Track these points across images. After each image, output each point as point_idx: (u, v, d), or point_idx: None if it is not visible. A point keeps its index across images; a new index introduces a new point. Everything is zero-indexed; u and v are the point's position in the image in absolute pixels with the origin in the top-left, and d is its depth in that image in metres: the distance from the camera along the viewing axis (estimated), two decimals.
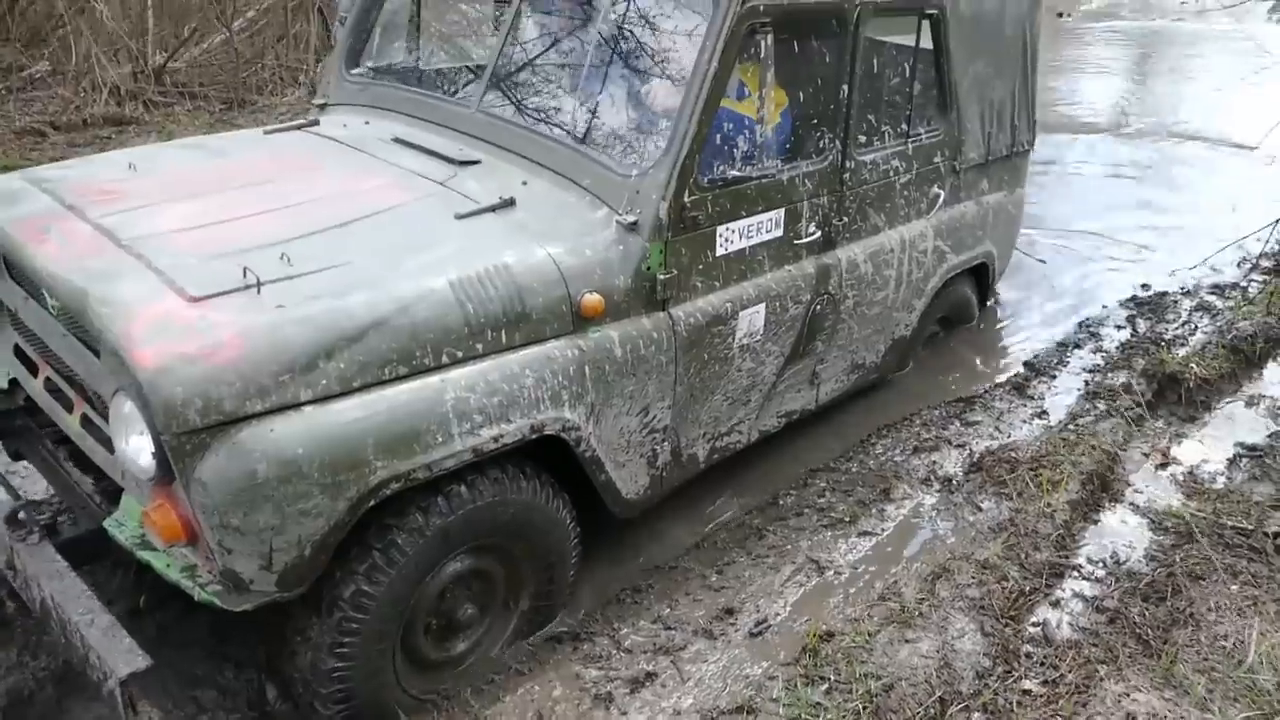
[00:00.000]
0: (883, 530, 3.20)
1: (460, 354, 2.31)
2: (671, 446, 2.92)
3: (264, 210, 2.55)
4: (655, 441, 2.84)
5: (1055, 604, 2.88)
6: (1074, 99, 9.36)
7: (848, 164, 3.23)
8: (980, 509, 3.27)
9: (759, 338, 3.06)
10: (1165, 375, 4.08)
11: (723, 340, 2.92)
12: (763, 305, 3.01)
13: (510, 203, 2.67)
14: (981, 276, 4.33)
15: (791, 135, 3.18)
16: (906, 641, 2.66)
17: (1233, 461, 3.66)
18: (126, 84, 7.10)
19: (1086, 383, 4.17)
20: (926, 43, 3.55)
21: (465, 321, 2.32)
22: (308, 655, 2.28)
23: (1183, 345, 4.46)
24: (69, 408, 2.48)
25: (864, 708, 2.43)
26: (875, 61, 3.38)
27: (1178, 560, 3.04)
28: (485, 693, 2.55)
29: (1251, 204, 6.17)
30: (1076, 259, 5.64)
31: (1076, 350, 4.50)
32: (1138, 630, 2.75)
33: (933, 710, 2.44)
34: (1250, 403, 4.06)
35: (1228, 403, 4.07)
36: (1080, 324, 4.77)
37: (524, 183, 2.76)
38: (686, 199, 2.68)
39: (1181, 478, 3.54)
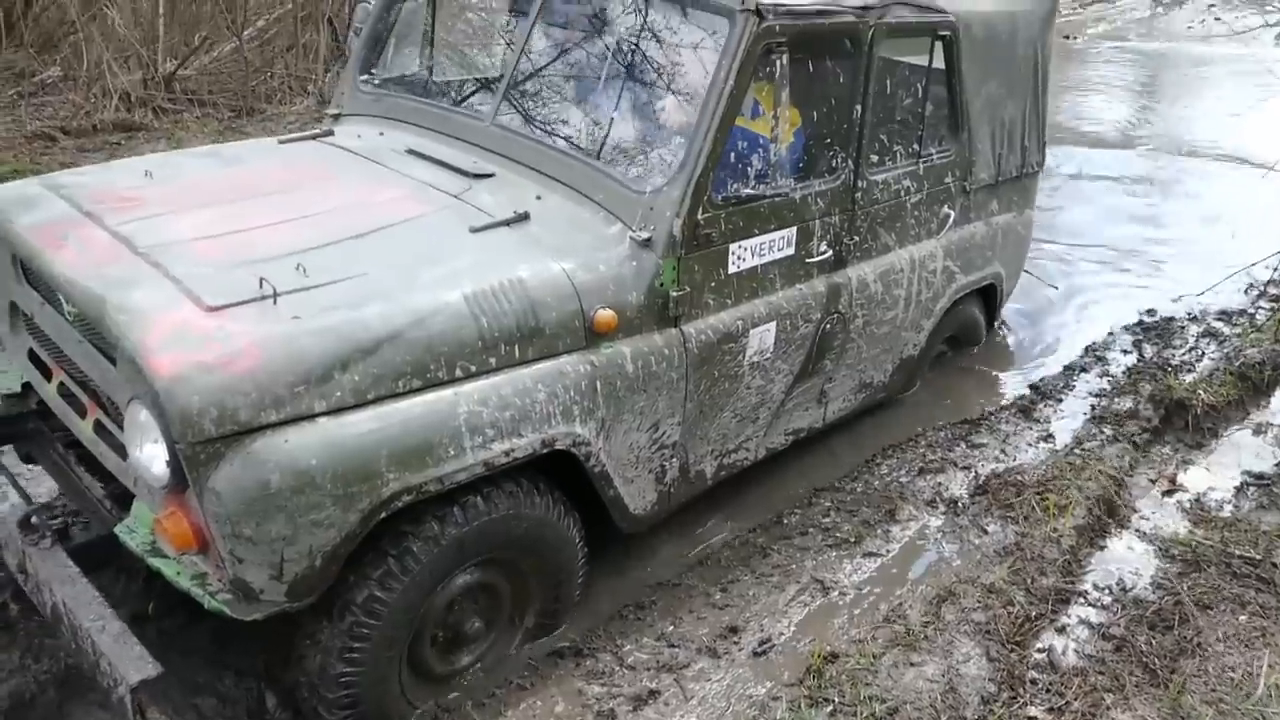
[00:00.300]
0: (888, 551, 3.19)
1: (473, 368, 2.32)
2: (680, 462, 2.92)
3: (279, 220, 2.56)
4: (664, 457, 2.85)
5: (1061, 630, 2.87)
6: (1081, 114, 9.38)
7: (860, 183, 3.24)
8: (986, 532, 3.26)
9: (769, 355, 3.06)
10: (1172, 401, 4.06)
11: (733, 358, 2.92)
12: (773, 323, 3.02)
13: (524, 217, 2.68)
14: (990, 297, 4.34)
15: (804, 154, 3.19)
16: (911, 665, 2.66)
17: (1240, 490, 3.64)
18: (137, 90, 7.13)
19: (1093, 407, 4.16)
20: (939, 63, 3.57)
21: (479, 335, 2.33)
22: (316, 659, 2.28)
23: (1190, 371, 4.44)
24: (82, 413, 2.49)
25: None
26: (888, 82, 3.39)
27: (1185, 589, 3.03)
28: (486, 706, 2.54)
29: (1262, 227, 6.15)
30: (1082, 280, 5.63)
31: (1082, 374, 4.49)
32: (1144, 659, 2.74)
33: None
34: (1258, 431, 4.05)
35: (1235, 430, 4.06)
36: (1086, 348, 4.75)
37: (538, 197, 2.78)
38: (700, 216, 2.69)
39: (1188, 505, 3.53)
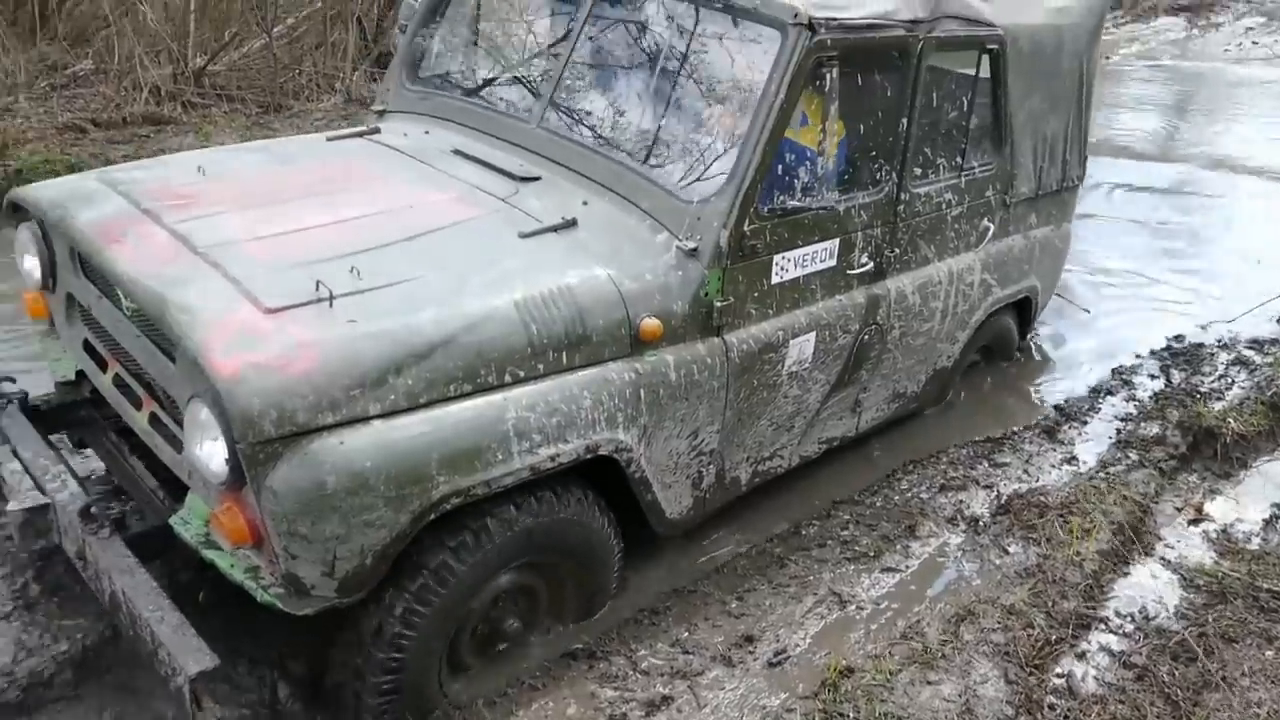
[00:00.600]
0: (907, 567, 3.17)
1: (522, 373, 2.36)
2: (716, 469, 2.95)
3: (333, 220, 2.59)
4: (702, 464, 2.87)
5: (1081, 656, 2.83)
6: (1115, 127, 9.28)
7: (903, 195, 3.25)
8: (1007, 552, 3.23)
9: (807, 365, 3.08)
10: (1201, 429, 3.99)
11: (773, 367, 2.94)
12: (813, 334, 3.04)
13: (572, 223, 2.71)
14: (1024, 310, 4.33)
15: (849, 166, 3.20)
16: (928, 683, 2.64)
17: (1269, 523, 3.58)
18: (166, 84, 7.22)
19: (1119, 431, 4.10)
20: (984, 76, 3.56)
21: (529, 342, 2.36)
22: (365, 649, 2.32)
23: (1219, 399, 4.35)
24: (137, 405, 2.54)
25: None
26: (934, 95, 3.39)
27: (1210, 620, 2.98)
28: (498, 705, 2.55)
29: None
30: (1109, 304, 5.55)
31: (1109, 397, 4.41)
32: (1166, 690, 2.69)
33: None
34: None
35: (1265, 461, 3.98)
36: (1113, 370, 4.69)
37: (584, 203, 2.80)
38: (746, 227, 2.71)
39: (1215, 535, 3.47)
